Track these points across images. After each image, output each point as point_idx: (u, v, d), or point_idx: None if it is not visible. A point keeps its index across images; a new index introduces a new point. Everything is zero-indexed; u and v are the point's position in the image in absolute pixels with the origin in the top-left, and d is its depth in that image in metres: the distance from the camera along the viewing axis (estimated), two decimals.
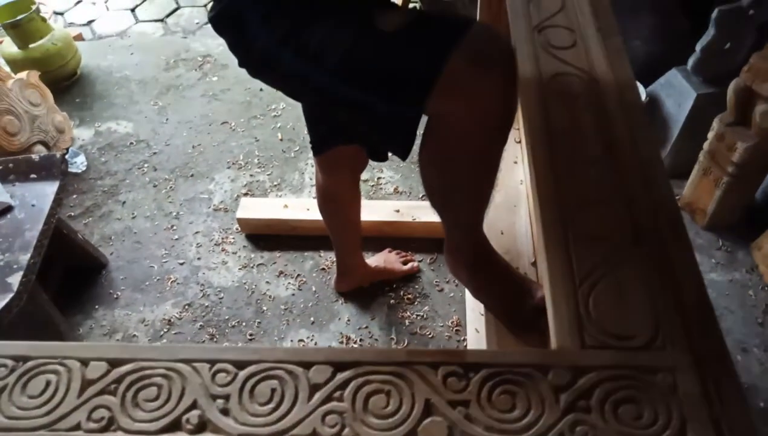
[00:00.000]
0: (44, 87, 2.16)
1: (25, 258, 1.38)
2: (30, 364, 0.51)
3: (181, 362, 0.49)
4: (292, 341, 1.59)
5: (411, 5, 2.22)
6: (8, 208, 1.49)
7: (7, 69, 2.43)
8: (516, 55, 0.63)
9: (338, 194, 1.38)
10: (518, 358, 0.45)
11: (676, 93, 1.84)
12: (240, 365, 0.49)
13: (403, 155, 0.81)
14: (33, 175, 1.57)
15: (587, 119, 0.56)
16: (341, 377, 0.46)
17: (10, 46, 2.38)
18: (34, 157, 1.58)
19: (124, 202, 2.02)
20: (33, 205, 1.50)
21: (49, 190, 1.54)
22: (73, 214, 2.00)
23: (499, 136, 0.73)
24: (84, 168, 2.16)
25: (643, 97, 1.87)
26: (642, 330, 0.46)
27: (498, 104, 0.64)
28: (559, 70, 0.62)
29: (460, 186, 0.80)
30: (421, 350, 0.56)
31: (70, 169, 2.14)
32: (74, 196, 2.07)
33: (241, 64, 0.88)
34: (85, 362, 0.51)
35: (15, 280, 1.34)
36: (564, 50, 0.64)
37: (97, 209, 2.01)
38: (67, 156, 2.18)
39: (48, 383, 0.50)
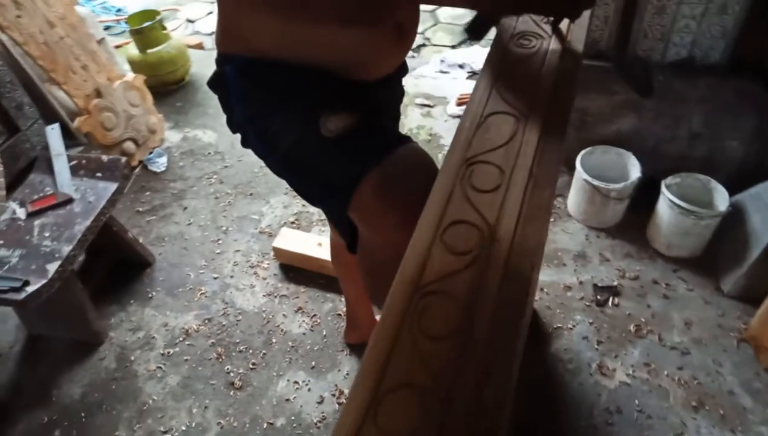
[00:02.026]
0: (146, 90, 2.38)
1: (67, 249, 1.52)
2: None
3: None
4: (288, 380, 1.60)
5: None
6: (69, 200, 1.66)
7: (127, 67, 2.72)
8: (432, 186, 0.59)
9: (343, 246, 1.37)
10: None
11: (765, 209, 1.62)
12: None
13: (349, 244, 0.79)
14: (99, 174, 1.72)
15: (461, 287, 0.50)
16: None
17: (133, 49, 2.66)
18: (104, 158, 1.74)
19: (185, 208, 2.16)
20: (90, 202, 1.65)
21: (107, 190, 1.68)
22: (141, 209, 2.17)
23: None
24: (164, 169, 2.34)
25: (725, 206, 1.67)
26: None
27: (395, 237, 0.60)
28: (462, 218, 0.57)
29: (366, 280, 0.80)
30: None
31: (150, 168, 2.34)
32: (147, 193, 2.25)
33: (227, 122, 0.91)
34: None
35: (52, 268, 1.48)
36: (481, 194, 0.59)
37: (161, 209, 2.17)
38: (151, 155, 2.38)
39: None
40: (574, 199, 1.94)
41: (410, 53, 3.03)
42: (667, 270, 1.78)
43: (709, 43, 1.72)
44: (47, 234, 1.57)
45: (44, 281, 1.44)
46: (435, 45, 3.11)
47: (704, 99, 1.76)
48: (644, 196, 1.85)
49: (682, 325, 1.63)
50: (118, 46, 3.02)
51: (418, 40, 3.15)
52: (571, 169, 1.91)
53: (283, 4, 0.73)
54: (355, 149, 0.67)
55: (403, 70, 1.01)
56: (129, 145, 2.30)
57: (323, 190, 0.72)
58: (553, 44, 0.74)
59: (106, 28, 3.65)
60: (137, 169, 2.35)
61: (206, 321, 1.77)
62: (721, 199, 1.71)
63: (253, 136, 0.81)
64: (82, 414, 1.57)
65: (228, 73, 0.84)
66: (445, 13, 3.35)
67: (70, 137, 2.32)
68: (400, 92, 1.03)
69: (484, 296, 0.49)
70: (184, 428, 1.52)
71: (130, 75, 2.37)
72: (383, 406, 0.43)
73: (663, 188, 1.74)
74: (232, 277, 1.89)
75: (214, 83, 0.88)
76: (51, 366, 1.69)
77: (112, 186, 1.69)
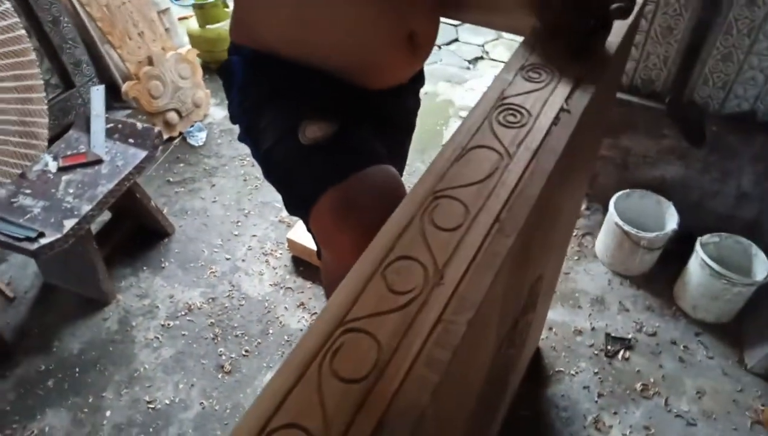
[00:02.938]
0: (197, 65, 2.43)
1: (86, 208, 1.56)
2: None
3: None
4: None
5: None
6: (98, 161, 1.70)
7: (186, 40, 2.79)
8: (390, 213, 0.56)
9: None
10: None
11: None
12: None
13: (318, 252, 0.78)
14: (131, 140, 1.76)
15: (387, 330, 0.46)
16: None
17: (194, 23, 2.72)
18: (138, 125, 1.78)
19: (213, 185, 2.19)
20: (117, 166, 1.69)
21: (136, 157, 1.72)
22: (171, 179, 2.22)
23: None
24: (201, 143, 2.39)
25: (763, 276, 1.55)
26: None
27: (347, 259, 0.57)
28: (410, 254, 0.53)
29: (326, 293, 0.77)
30: None
31: (189, 141, 2.38)
32: (181, 164, 2.29)
33: (228, 112, 0.91)
34: None
35: (69, 224, 1.52)
36: (439, 231, 0.54)
37: (191, 183, 2.21)
38: (192, 128, 2.43)
39: None
40: (602, 241, 1.85)
41: (466, 64, 2.98)
42: (688, 332, 1.67)
43: None
44: (71, 190, 1.62)
45: (58, 236, 1.49)
46: (493, 60, 3.05)
47: (759, 158, 1.64)
48: (677, 250, 1.75)
49: (694, 393, 1.53)
50: (182, 18, 3.10)
51: (475, 52, 3.09)
52: (605, 209, 1.82)
53: None
54: (323, 162, 0.64)
55: (419, 81, 0.97)
56: (172, 116, 2.35)
57: (290, 199, 0.70)
58: (564, 84, 0.69)
59: None
60: (176, 140, 2.40)
61: (210, 300, 1.78)
62: (761, 268, 1.59)
63: (243, 130, 0.80)
64: (77, 369, 1.61)
65: (234, 63, 0.83)
66: None
67: (120, 100, 2.40)
68: (414, 104, 1.00)
69: (408, 346, 0.46)
70: (167, 401, 1.53)
71: (184, 48, 2.42)
72: None
73: (698, 246, 1.63)
74: (243, 261, 1.90)
75: (222, 71, 0.87)
76: (57, 317, 1.75)
77: (141, 154, 1.73)
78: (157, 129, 1.77)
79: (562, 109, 0.66)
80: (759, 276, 1.57)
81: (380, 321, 0.48)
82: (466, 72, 2.93)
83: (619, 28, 0.79)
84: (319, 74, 0.77)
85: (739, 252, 1.66)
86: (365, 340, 0.46)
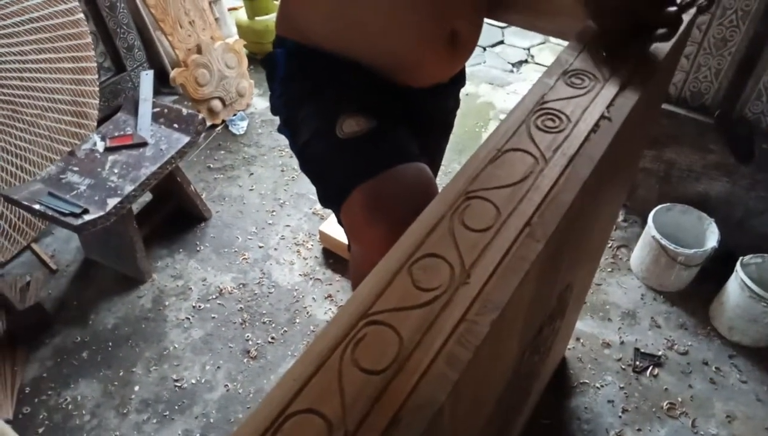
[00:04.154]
0: (243, 55, 2.48)
1: (129, 188, 1.62)
2: None
3: None
4: None
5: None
6: (144, 144, 1.76)
7: (234, 30, 2.84)
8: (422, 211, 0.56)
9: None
10: None
11: None
12: None
13: (348, 246, 0.79)
14: (176, 125, 1.82)
15: (410, 325, 0.46)
16: None
17: (243, 14, 2.77)
18: (183, 111, 1.83)
19: (251, 174, 2.23)
20: (161, 149, 1.74)
21: (180, 141, 1.77)
22: (211, 166, 2.27)
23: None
24: (242, 132, 2.43)
25: None
26: None
27: (376, 253, 0.58)
28: (438, 252, 0.53)
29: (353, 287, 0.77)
30: None
31: (231, 129, 2.44)
32: (222, 151, 2.34)
33: (270, 103, 0.92)
34: None
35: (112, 202, 1.58)
36: (469, 231, 0.54)
37: (230, 170, 2.26)
38: (234, 117, 2.48)
39: None
40: (638, 255, 1.81)
41: (510, 67, 2.95)
42: (722, 354, 1.62)
43: None
44: (116, 170, 1.67)
45: (101, 213, 1.54)
46: (538, 64, 3.00)
47: None
48: (716, 268, 1.70)
49: (723, 417, 1.48)
50: (231, 9, 3.16)
51: (520, 55, 3.05)
52: (644, 221, 1.78)
53: None
54: (357, 157, 0.65)
55: (459, 81, 0.97)
56: (216, 104, 2.41)
57: (324, 191, 0.71)
58: (607, 91, 0.68)
59: None
60: (219, 128, 2.46)
61: (241, 286, 1.82)
62: None
63: (283, 122, 0.81)
64: (110, 343, 1.67)
65: (278, 55, 0.85)
66: None
67: (167, 85, 2.47)
68: (453, 104, 1.00)
69: (430, 342, 0.46)
70: (194, 381, 1.57)
71: (232, 38, 2.47)
72: (282, 431, 0.41)
73: (738, 266, 1.58)
74: (275, 249, 1.94)
75: (266, 62, 0.89)
76: (96, 292, 1.81)
77: (184, 139, 1.78)
78: (201, 116, 1.82)
79: (602, 117, 0.65)
80: None
81: (404, 316, 0.48)
82: (509, 75, 2.90)
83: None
84: (360, 70, 0.78)
85: None
86: (388, 333, 0.47)
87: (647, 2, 0.66)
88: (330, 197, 0.70)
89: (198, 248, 1.95)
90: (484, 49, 3.11)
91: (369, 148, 0.66)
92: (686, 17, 0.83)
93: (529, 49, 3.11)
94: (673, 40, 0.78)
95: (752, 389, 1.54)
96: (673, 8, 0.65)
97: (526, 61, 3.03)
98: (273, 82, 0.85)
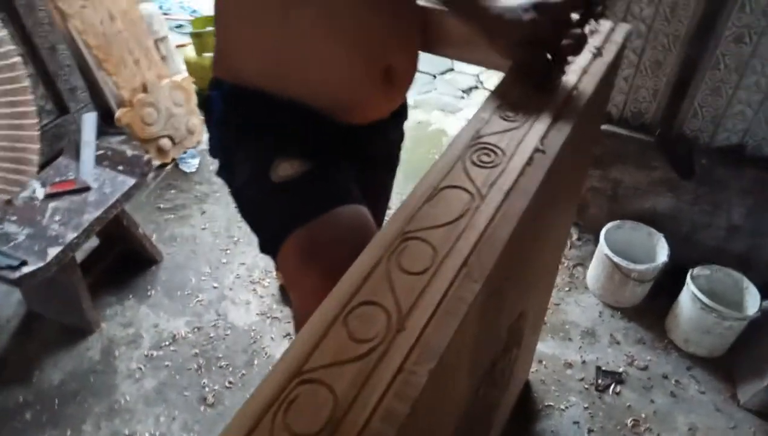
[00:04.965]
0: (192, 92, 2.44)
1: (71, 236, 1.55)
2: None
3: None
4: None
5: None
6: (86, 189, 1.69)
7: (182, 67, 2.81)
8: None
9: None
10: None
11: None
12: None
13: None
14: (120, 167, 1.76)
15: (345, 381, 0.45)
16: None
17: (192, 51, 2.74)
18: (128, 152, 1.78)
19: (204, 212, 2.18)
20: (105, 193, 1.68)
21: (125, 184, 1.71)
22: (162, 206, 2.21)
23: None
24: (194, 170, 2.38)
25: (755, 310, 1.53)
26: None
27: (312, 305, 0.56)
28: (374, 299, 0.51)
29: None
30: None
31: (181, 167, 2.38)
32: (173, 191, 2.29)
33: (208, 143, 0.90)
34: None
35: (53, 252, 1.50)
36: (405, 275, 0.53)
37: (182, 209, 2.20)
38: (185, 155, 2.43)
39: None
40: (593, 273, 1.84)
41: (460, 94, 3.00)
42: (680, 366, 1.64)
43: (764, 134, 1.61)
44: (57, 218, 1.61)
45: (41, 264, 1.47)
46: (487, 89, 3.07)
47: (748, 191, 1.64)
48: (669, 282, 1.73)
49: (686, 430, 1.50)
50: (180, 46, 3.13)
51: (470, 81, 3.11)
52: (597, 240, 1.81)
53: (266, 20, 0.71)
54: (290, 202, 0.63)
55: (401, 115, 0.97)
56: (165, 142, 2.36)
57: (260, 239, 0.69)
58: (541, 123, 0.68)
59: (179, 26, 3.81)
60: (169, 167, 2.40)
61: (195, 329, 1.76)
62: (752, 302, 1.57)
63: (220, 166, 0.79)
64: (56, 401, 1.58)
65: (214, 97, 0.83)
66: None
67: (114, 125, 2.40)
68: (397, 139, 0.99)
69: (366, 398, 0.44)
70: (147, 435, 1.50)
71: (180, 75, 2.44)
72: None
73: (688, 279, 1.61)
74: (231, 289, 1.88)
75: (202, 105, 0.87)
76: (39, 347, 1.72)
77: (130, 181, 1.72)
78: (147, 156, 1.77)
79: (536, 150, 0.65)
80: (750, 310, 1.55)
81: (338, 372, 0.46)
82: (460, 101, 2.94)
83: (597, 67, 0.79)
84: (297, 110, 0.77)
85: (731, 286, 1.64)
86: (322, 391, 0.45)
87: (548, 29, 0.68)
88: (266, 245, 0.67)
89: (149, 293, 1.88)
90: (435, 76, 3.16)
91: (303, 193, 0.65)
92: (614, 45, 0.85)
93: (478, 76, 3.18)
94: (604, 67, 0.80)
95: (711, 400, 1.56)
96: (576, 30, 0.67)
97: (476, 87, 3.09)
98: (210, 125, 0.83)
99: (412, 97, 2.84)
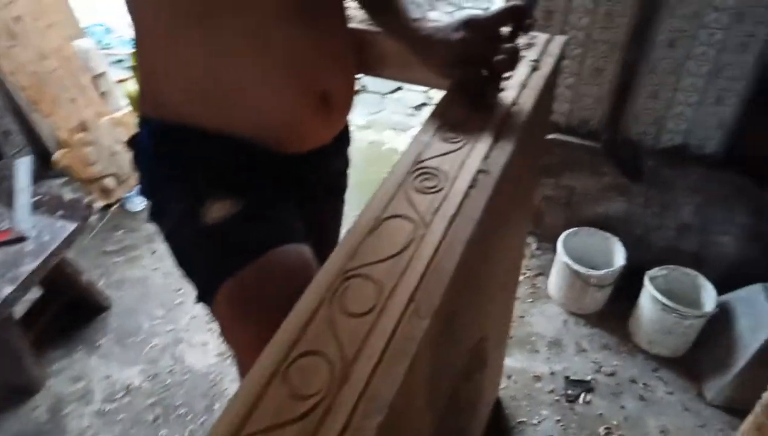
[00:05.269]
0: (134, 127, 2.36)
1: (7, 291, 1.45)
2: None
3: None
4: None
5: None
6: (22, 238, 1.60)
7: (124, 102, 2.72)
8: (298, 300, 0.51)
9: None
10: None
11: (754, 314, 1.50)
12: None
13: None
14: (59, 212, 1.67)
15: None
16: None
17: (133, 85, 2.66)
18: (66, 196, 1.69)
19: (154, 252, 2.10)
20: (43, 242, 1.59)
21: (64, 230, 1.62)
22: (108, 249, 2.11)
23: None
24: (141, 208, 2.29)
25: (712, 306, 1.55)
26: None
27: (249, 359, 0.51)
28: (317, 348, 0.48)
29: None
30: None
31: (127, 207, 2.29)
32: (120, 231, 2.19)
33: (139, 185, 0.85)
34: None
35: None
36: (349, 318, 0.50)
37: (131, 250, 2.11)
38: (131, 193, 2.34)
39: None
40: (554, 281, 1.84)
41: (410, 111, 3.01)
42: (646, 368, 1.65)
43: (704, 133, 1.65)
44: None
45: None
46: None
47: (695, 190, 1.67)
48: (628, 285, 1.74)
49: (657, 433, 1.49)
50: (121, 81, 3.04)
51: (420, 99, 3.12)
52: (555, 248, 1.81)
53: (187, 43, 0.67)
54: (221, 248, 0.59)
55: (344, 141, 0.94)
56: (109, 182, 2.26)
57: (195, 288, 0.64)
58: (482, 143, 0.66)
59: (119, 61, 3.70)
60: (114, 207, 2.31)
61: (151, 377, 1.67)
62: (709, 299, 1.60)
63: (150, 210, 0.74)
64: None
65: (141, 136, 0.78)
66: None
67: (53, 168, 2.30)
68: (342, 165, 0.96)
69: None
70: None
71: (122, 111, 2.35)
72: None
73: (646, 281, 1.63)
74: (187, 331, 1.80)
75: (129, 146, 0.81)
76: None
77: (70, 226, 1.63)
78: (87, 199, 1.69)
79: (480, 171, 0.63)
80: (708, 307, 1.57)
81: (280, 435, 0.42)
82: (411, 119, 2.94)
83: (536, 80, 0.78)
84: (229, 144, 0.72)
85: (687, 284, 1.67)
86: None
87: (479, 47, 0.66)
88: (199, 296, 0.62)
89: (98, 343, 1.78)
90: (384, 96, 3.15)
91: (235, 236, 0.60)
92: (551, 58, 0.85)
93: (427, 93, 3.19)
94: (542, 80, 0.79)
95: (679, 400, 1.57)
96: (508, 45, 0.65)
97: (425, 104, 3.10)
98: (138, 165, 0.78)
99: (363, 117, 2.83)
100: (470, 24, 0.65)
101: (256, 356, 0.47)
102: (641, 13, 1.53)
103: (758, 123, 1.58)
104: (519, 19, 0.66)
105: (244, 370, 0.58)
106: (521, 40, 0.77)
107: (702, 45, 1.51)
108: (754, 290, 1.54)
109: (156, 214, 0.72)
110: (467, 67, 0.66)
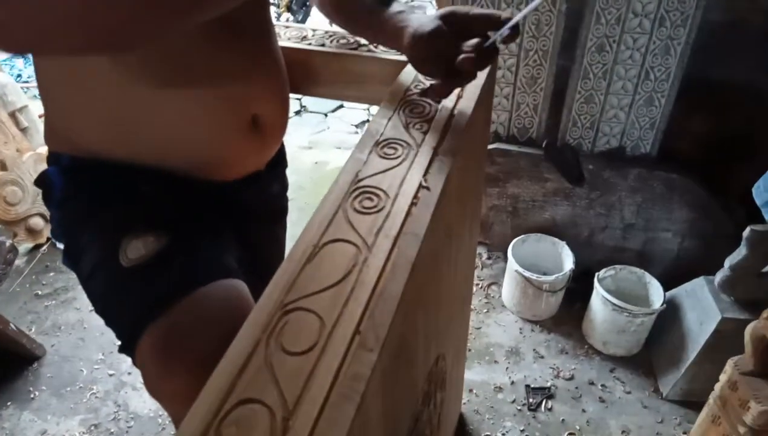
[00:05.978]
0: None
1: None
2: None
3: None
4: None
5: None
6: None
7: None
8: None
9: None
10: None
11: (700, 307, 1.53)
12: None
13: None
14: None
15: None
16: None
17: None
18: None
19: None
20: None
21: None
22: (40, 292, 1.97)
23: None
24: None
25: (660, 303, 1.58)
26: None
27: (177, 411, 0.47)
28: (254, 396, 0.43)
29: None
30: None
31: (59, 246, 2.15)
32: (51, 273, 2.05)
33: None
34: None
35: None
36: (289, 357, 0.45)
37: (63, 293, 1.97)
38: None
39: None
40: (507, 290, 1.84)
41: (353, 129, 2.98)
42: (603, 369, 1.66)
43: (639, 133, 1.69)
44: None
45: None
46: None
47: (635, 189, 1.71)
48: (579, 288, 1.76)
49: (620, 433, 1.50)
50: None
51: (361, 116, 3.11)
52: (506, 256, 1.81)
53: (100, 74, 0.61)
54: (143, 290, 0.54)
55: (280, 164, 0.89)
56: (36, 221, 2.12)
57: (115, 333, 0.58)
58: (421, 157, 0.64)
59: None
60: (44, 247, 2.16)
61: (92, 428, 1.55)
62: (656, 295, 1.63)
63: (64, 253, 0.67)
64: None
65: (51, 174, 0.71)
66: None
67: None
68: (279, 189, 0.92)
69: None
70: None
71: (44, 147, 2.22)
72: None
73: (596, 282, 1.65)
74: (129, 374, 1.69)
75: (39, 184, 0.74)
76: None
77: None
78: (10, 241, 1.57)
79: (421, 186, 0.60)
80: (656, 304, 1.60)
81: None
82: (354, 136, 2.92)
83: (471, 91, 0.76)
84: (149, 176, 0.67)
85: (635, 282, 1.70)
86: None
87: (451, 44, 0.63)
88: (121, 346, 0.56)
89: (32, 395, 1.64)
90: (326, 115, 3.12)
91: (158, 276, 0.55)
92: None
93: (369, 109, 3.18)
94: (478, 90, 0.77)
95: (637, 398, 1.58)
96: (475, 41, 0.61)
97: (368, 121, 3.09)
98: (49, 205, 0.71)
99: (305, 138, 2.79)
100: (446, 16, 0.62)
101: (187, 408, 0.42)
102: (567, 21, 1.56)
103: (686, 122, 1.64)
104: (497, 26, 0.61)
105: (177, 421, 0.52)
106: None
107: (628, 49, 1.55)
108: (698, 283, 1.57)
109: (71, 258, 0.65)
110: (438, 62, 0.63)
